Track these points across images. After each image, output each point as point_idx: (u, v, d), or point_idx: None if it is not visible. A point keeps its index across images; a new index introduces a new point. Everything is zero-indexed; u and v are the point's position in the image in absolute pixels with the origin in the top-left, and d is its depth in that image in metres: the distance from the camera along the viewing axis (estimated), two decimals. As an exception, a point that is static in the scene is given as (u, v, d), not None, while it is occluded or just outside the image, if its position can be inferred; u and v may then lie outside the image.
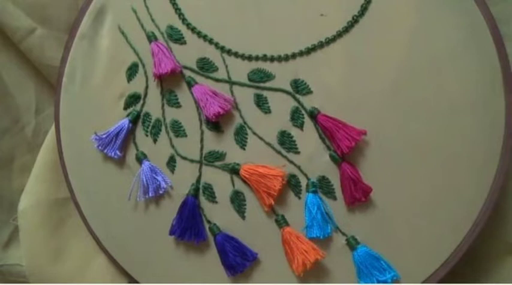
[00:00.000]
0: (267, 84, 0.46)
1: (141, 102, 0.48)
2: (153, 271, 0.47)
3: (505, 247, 0.48)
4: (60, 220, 0.52)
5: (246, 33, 0.47)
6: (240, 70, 0.47)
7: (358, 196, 0.44)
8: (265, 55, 0.46)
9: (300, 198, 0.45)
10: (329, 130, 0.44)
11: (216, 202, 0.47)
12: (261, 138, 0.46)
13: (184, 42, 0.47)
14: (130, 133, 0.48)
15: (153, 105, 0.48)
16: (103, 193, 0.48)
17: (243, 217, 0.46)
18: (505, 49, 0.44)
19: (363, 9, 0.45)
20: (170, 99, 0.47)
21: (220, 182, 0.46)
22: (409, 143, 0.44)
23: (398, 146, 0.44)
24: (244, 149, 0.46)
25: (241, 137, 0.46)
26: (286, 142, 0.46)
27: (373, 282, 0.43)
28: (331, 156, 0.45)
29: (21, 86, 0.55)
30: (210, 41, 0.47)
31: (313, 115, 0.45)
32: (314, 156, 0.45)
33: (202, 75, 0.47)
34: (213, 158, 0.47)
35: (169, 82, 0.47)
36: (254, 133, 0.46)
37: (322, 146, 0.45)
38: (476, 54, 0.44)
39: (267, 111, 0.46)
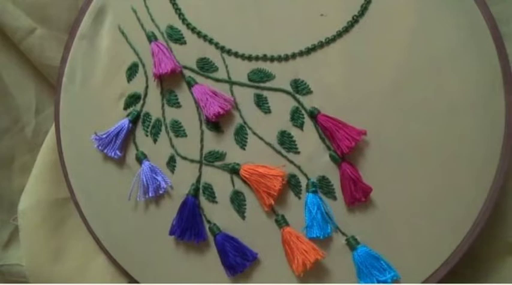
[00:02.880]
0: (267, 84, 0.46)
1: (141, 102, 0.48)
2: (153, 271, 0.47)
3: (505, 247, 0.48)
4: (60, 220, 0.52)
5: (246, 33, 0.47)
6: (240, 70, 0.47)
7: (358, 196, 0.44)
8: (265, 55, 0.46)
9: (300, 198, 0.45)
10: (329, 130, 0.44)
11: (216, 202, 0.47)
12: (261, 138, 0.46)
13: (184, 42, 0.47)
14: (131, 133, 0.48)
15: (153, 105, 0.48)
16: (103, 193, 0.48)
17: (243, 217, 0.46)
18: (505, 50, 0.44)
19: (363, 9, 0.45)
20: (170, 99, 0.47)
21: (220, 182, 0.46)
22: (409, 143, 0.44)
23: (398, 146, 0.44)
24: (244, 149, 0.46)
25: (241, 137, 0.46)
26: (286, 142, 0.46)
27: (373, 282, 0.43)
28: (331, 156, 0.45)
29: (21, 86, 0.55)
30: (210, 41, 0.47)
31: (313, 115, 0.45)
32: (314, 156, 0.45)
33: (202, 75, 0.47)
34: (213, 158, 0.47)
35: (169, 82, 0.47)
36: (254, 133, 0.46)
37: (322, 146, 0.45)
38: (476, 54, 0.44)
39: (267, 111, 0.46)
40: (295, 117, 0.46)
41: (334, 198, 0.45)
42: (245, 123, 0.46)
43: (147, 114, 0.48)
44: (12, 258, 0.54)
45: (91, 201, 0.49)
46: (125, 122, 0.48)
